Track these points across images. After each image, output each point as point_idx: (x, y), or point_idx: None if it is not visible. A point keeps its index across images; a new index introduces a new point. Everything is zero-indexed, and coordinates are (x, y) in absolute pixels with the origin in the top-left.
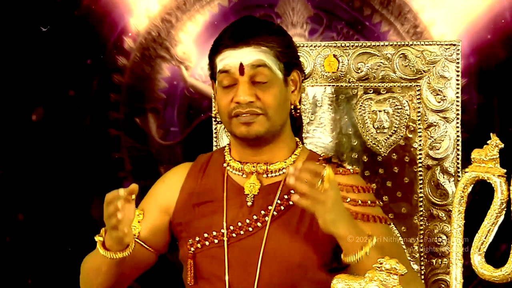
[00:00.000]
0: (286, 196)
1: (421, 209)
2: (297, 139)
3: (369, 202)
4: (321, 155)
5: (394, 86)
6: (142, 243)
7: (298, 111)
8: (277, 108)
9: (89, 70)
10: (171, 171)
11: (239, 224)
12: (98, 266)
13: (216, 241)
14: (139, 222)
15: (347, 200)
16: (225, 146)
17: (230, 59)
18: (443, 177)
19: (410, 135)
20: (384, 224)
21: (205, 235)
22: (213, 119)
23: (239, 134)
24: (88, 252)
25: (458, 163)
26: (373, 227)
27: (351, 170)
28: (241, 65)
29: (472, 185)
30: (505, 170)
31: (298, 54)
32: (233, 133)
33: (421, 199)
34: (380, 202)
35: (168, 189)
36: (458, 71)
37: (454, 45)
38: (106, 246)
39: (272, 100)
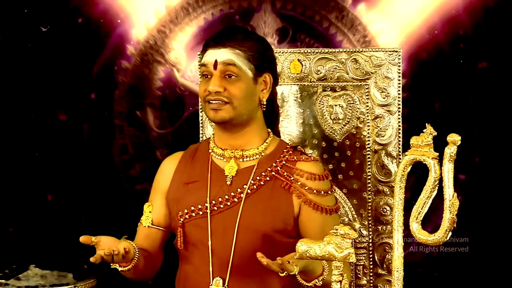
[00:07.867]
0: (258, 178)
1: (369, 185)
2: (269, 130)
3: (322, 192)
4: (288, 144)
5: (347, 85)
6: (157, 227)
7: (264, 106)
8: (242, 99)
9: (100, 72)
10: (166, 160)
11: (220, 199)
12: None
13: (201, 213)
14: (150, 212)
15: (305, 188)
16: (210, 137)
17: (209, 56)
18: (387, 159)
19: (360, 125)
20: (331, 215)
21: (192, 208)
22: (200, 110)
23: (209, 117)
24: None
25: (399, 148)
26: (322, 217)
27: (312, 158)
28: (216, 62)
29: (411, 166)
30: (437, 154)
31: (274, 62)
32: (207, 116)
33: (369, 177)
34: (335, 188)
35: (165, 176)
36: (399, 73)
37: (396, 51)
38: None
39: (238, 92)
